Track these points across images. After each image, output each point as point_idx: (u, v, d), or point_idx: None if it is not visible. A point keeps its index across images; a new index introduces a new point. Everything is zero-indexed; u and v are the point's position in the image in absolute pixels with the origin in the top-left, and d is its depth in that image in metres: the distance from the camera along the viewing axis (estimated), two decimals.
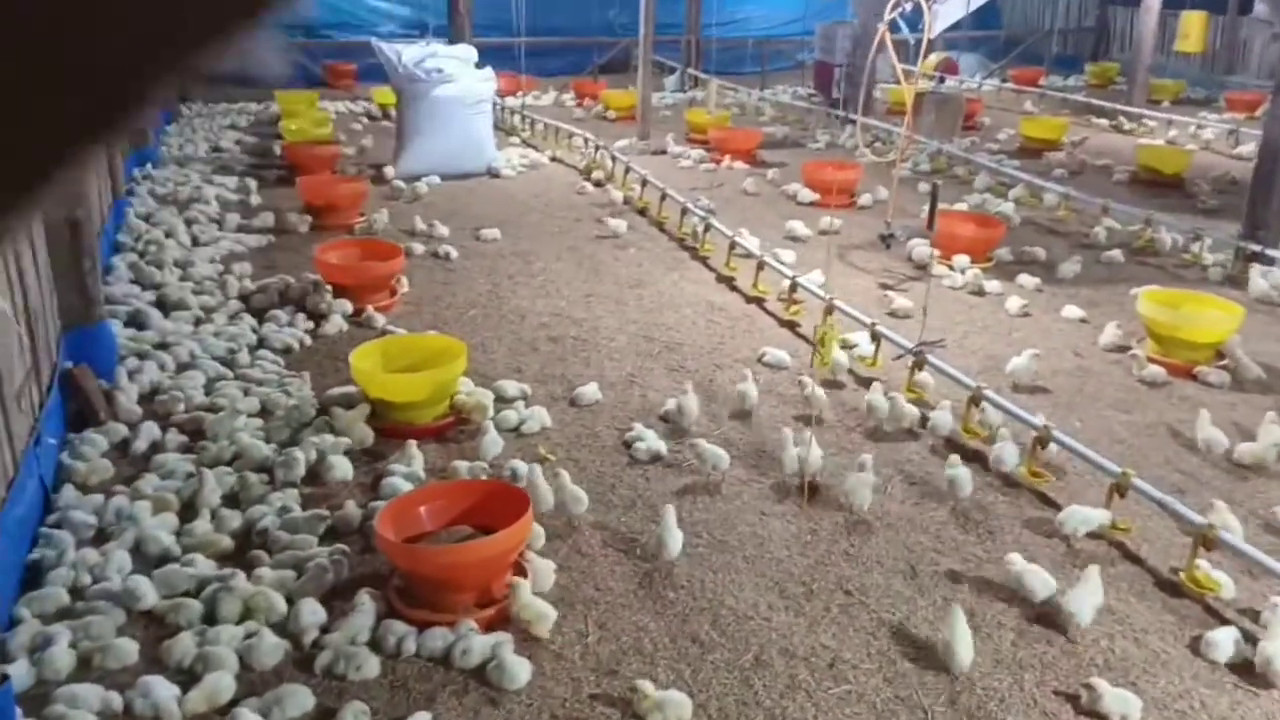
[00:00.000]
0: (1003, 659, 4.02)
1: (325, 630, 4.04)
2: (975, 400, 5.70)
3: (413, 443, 5.26)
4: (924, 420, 5.84)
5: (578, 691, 3.78)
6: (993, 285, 8.16)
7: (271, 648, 3.91)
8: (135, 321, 6.80)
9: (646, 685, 3.64)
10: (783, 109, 16.20)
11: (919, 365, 6.19)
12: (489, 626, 4.02)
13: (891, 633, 4.15)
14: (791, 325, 7.37)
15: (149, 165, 10.86)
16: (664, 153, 12.83)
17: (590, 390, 6.11)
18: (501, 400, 5.96)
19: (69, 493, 4.86)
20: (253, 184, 10.60)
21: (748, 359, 6.77)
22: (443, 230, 9.13)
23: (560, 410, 5.98)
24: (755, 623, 4.18)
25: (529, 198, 10.72)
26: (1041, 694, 3.84)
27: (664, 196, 9.68)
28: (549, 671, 3.87)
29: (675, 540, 4.54)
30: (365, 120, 15.23)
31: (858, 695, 3.80)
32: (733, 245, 8.32)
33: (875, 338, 6.55)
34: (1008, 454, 5.27)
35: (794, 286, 7.42)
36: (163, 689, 3.66)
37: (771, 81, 19.07)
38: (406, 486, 4.97)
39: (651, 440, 5.54)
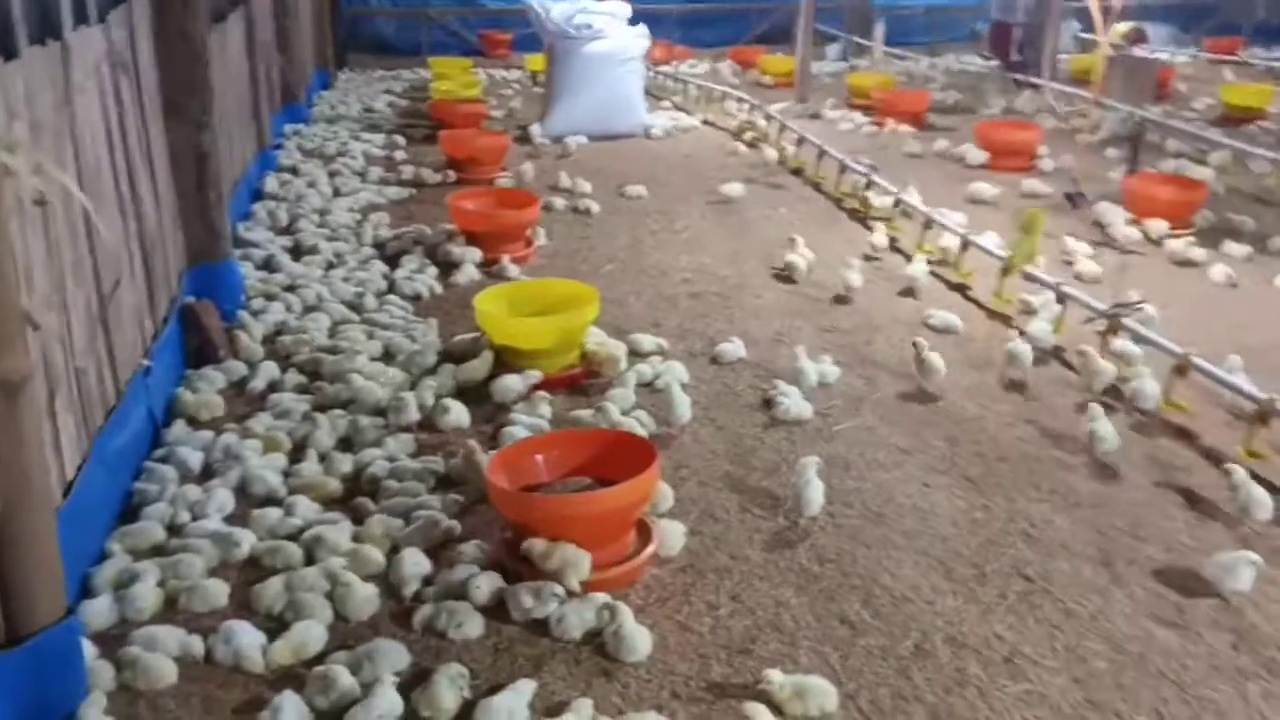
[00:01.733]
0: (1220, 665, 3.29)
1: (428, 583, 3.64)
2: (1181, 370, 4.89)
3: (541, 392, 4.83)
4: (1117, 392, 5.06)
5: (705, 670, 3.25)
6: (1196, 253, 7.20)
7: (367, 598, 3.52)
8: (267, 265, 6.61)
9: (775, 675, 3.08)
10: (954, 76, 15.18)
11: (1113, 330, 5.39)
12: (603, 589, 3.53)
13: (1081, 627, 3.46)
14: (961, 289, 6.63)
15: (300, 124, 10.85)
16: (819, 116, 12.12)
17: (733, 348, 5.56)
18: (636, 354, 5.47)
19: (179, 428, 4.62)
20: (399, 140, 10.45)
21: (909, 321, 6.09)
22: (586, 186, 8.71)
23: (699, 367, 5.44)
24: (915, 606, 3.56)
25: (678, 158, 10.21)
26: (1271, 708, 3.11)
27: (822, 154, 9.01)
28: (673, 645, 3.35)
29: (816, 494, 3.97)
30: (517, 86, 15.02)
31: (1040, 696, 3.14)
32: (897, 203, 7.60)
33: (1061, 299, 5.77)
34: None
35: (965, 245, 6.67)
36: (247, 635, 3.31)
37: (941, 51, 17.98)
38: (525, 434, 4.54)
39: (795, 401, 4.95)
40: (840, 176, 8.62)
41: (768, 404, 5.02)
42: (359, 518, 4.01)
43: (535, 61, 15.21)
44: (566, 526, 3.55)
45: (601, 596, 3.46)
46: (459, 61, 15.15)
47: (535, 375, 4.99)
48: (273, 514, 3.98)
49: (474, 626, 3.40)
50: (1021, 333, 5.62)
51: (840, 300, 6.42)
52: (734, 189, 8.55)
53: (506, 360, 5.20)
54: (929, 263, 6.80)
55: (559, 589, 3.44)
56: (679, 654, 3.31)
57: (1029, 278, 6.21)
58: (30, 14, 3.53)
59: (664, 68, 14.84)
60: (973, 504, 4.21)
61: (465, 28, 18.31)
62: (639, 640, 3.28)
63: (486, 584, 3.54)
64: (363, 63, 16.66)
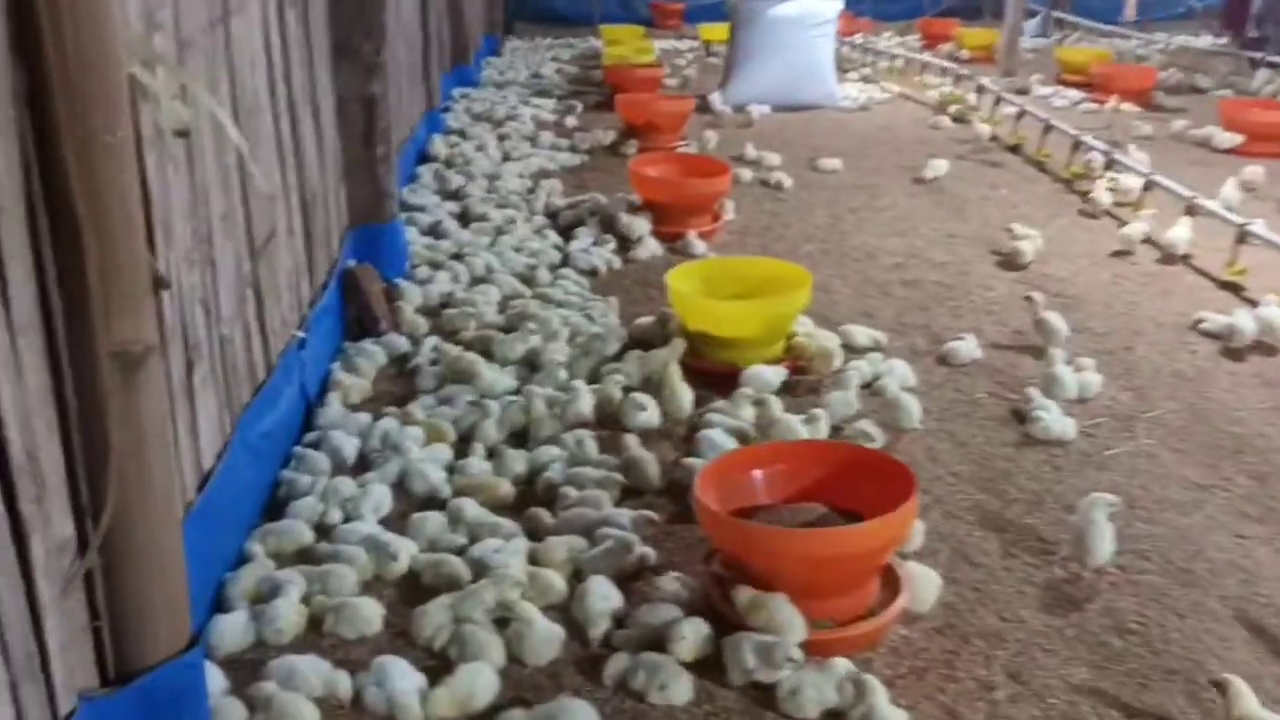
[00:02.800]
0: None
1: (619, 623, 2.93)
2: None
3: (746, 390, 4.07)
4: None
5: None
6: None
7: (547, 638, 2.84)
8: (433, 231, 6.06)
9: None
10: (1173, 53, 13.67)
11: None
12: (840, 650, 2.75)
13: None
14: (1234, 288, 5.54)
15: (469, 88, 10.38)
16: (1026, 92, 10.94)
17: (966, 347, 4.68)
18: (850, 348, 4.65)
19: (333, 409, 4.04)
20: (572, 104, 9.84)
21: (1176, 325, 5.08)
22: (774, 158, 7.89)
23: (926, 368, 4.59)
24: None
25: (874, 130, 9.27)
26: None
27: (1048, 129, 7.94)
28: None
29: (1105, 541, 3.11)
30: (690, 56, 14.27)
31: None
32: (1148, 185, 6.52)
33: None
34: None
35: (1242, 237, 5.58)
36: (404, 677, 2.68)
37: (1151, 29, 16.35)
38: (727, 442, 3.79)
39: (1055, 417, 4.05)
40: (1071, 155, 7.54)
41: (1019, 417, 4.14)
42: (534, 531, 3.35)
43: (710, 31, 14.47)
44: (799, 569, 2.78)
45: (843, 664, 2.69)
46: (630, 29, 14.53)
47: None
48: (435, 520, 3.35)
49: (681, 690, 2.67)
50: None
51: (1084, 297, 5.43)
52: (942, 166, 7.59)
53: (698, 348, 4.47)
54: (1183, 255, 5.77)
55: (795, 651, 2.67)
56: None
57: None
58: None
59: (852, 39, 13.85)
60: None
61: None
62: None
63: (692, 633, 2.81)
64: (529, 31, 16.22)
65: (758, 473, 3.18)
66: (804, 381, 4.42)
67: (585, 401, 3.99)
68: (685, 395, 4.14)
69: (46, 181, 2.00)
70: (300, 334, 3.86)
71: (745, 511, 3.11)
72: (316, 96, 4.40)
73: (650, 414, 4.01)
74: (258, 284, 3.50)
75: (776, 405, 4.02)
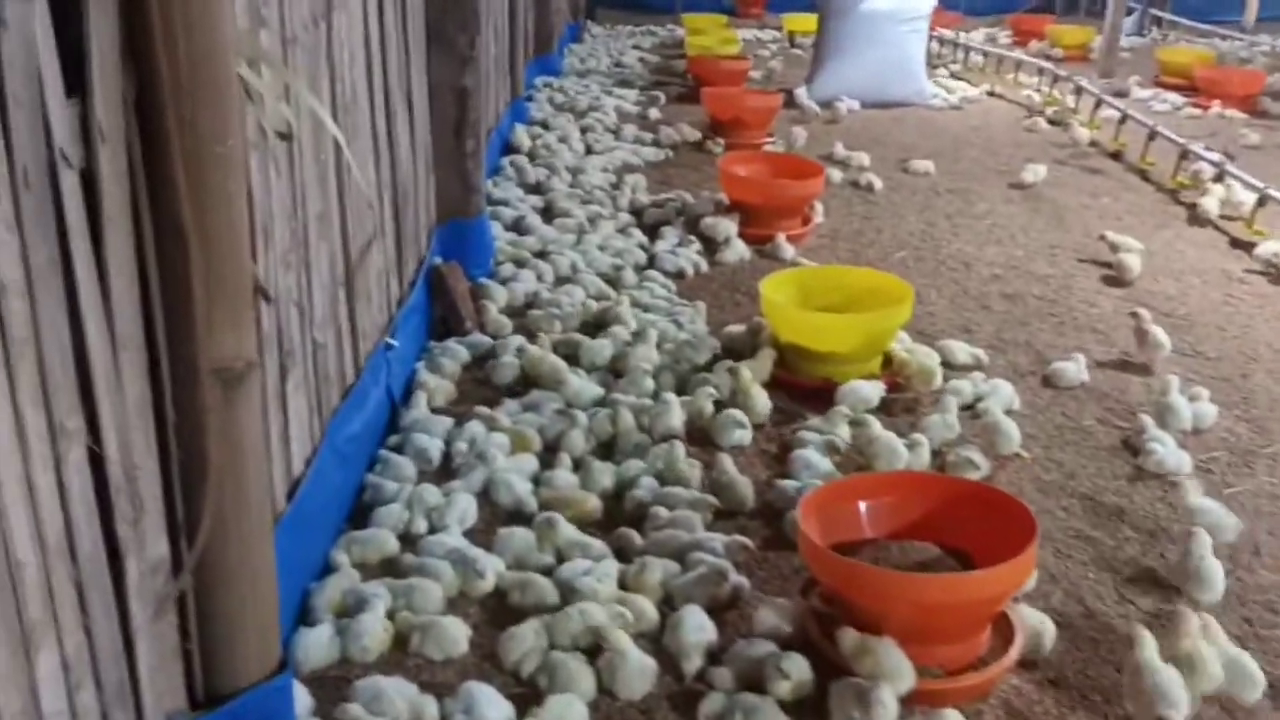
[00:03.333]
0: None
1: (713, 657, 2.81)
2: None
3: (842, 407, 3.91)
4: None
5: None
6: None
7: (641, 670, 2.73)
8: (516, 226, 5.95)
9: None
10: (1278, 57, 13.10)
11: None
12: (949, 701, 2.60)
13: None
14: None
15: (551, 76, 10.28)
16: (1125, 94, 10.53)
17: (1072, 368, 4.46)
18: (948, 366, 4.46)
19: (418, 410, 3.97)
20: (655, 96, 9.68)
21: None
22: (864, 158, 7.66)
23: (1030, 389, 4.38)
24: None
25: (966, 131, 8.97)
26: None
27: (1152, 136, 7.60)
28: None
29: (1215, 576, 2.99)
30: (774, 47, 14.01)
31: None
32: (1262, 200, 6.20)
33: None
34: None
35: None
36: (492, 706, 2.58)
37: (1259, 31, 15.70)
38: (822, 463, 3.65)
39: (1169, 449, 3.82)
40: (1178, 165, 7.21)
41: (1130, 448, 3.92)
42: (623, 550, 3.23)
43: (794, 21, 14.22)
44: (909, 614, 2.63)
45: (953, 716, 2.54)
46: (713, 18, 14.33)
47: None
48: (522, 536, 3.24)
49: None
50: None
51: (1194, 318, 5.16)
52: (1040, 171, 7.30)
53: (790, 361, 4.31)
54: None
55: (887, 697, 2.51)
56: None
57: None
58: None
59: (943, 31, 13.49)
60: None
61: None
62: None
63: (795, 672, 2.67)
64: (611, 18, 16.08)
65: (863, 504, 3.02)
66: (901, 400, 4.25)
67: (675, 415, 3.86)
68: (762, 400, 4.00)
69: (153, 190, 1.92)
70: (392, 342, 3.77)
71: (848, 545, 2.96)
72: (411, 88, 4.31)
73: (745, 432, 3.86)
74: (350, 285, 3.42)
75: (875, 424, 3.85)
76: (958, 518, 2.95)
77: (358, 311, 3.53)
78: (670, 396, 3.92)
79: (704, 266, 5.61)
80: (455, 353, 4.41)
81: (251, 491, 2.20)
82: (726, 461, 3.61)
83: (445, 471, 3.68)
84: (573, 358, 4.40)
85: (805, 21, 13.62)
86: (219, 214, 1.99)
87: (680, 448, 3.67)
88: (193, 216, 1.93)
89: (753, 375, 4.10)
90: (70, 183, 1.71)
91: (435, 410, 4.05)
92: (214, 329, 2.02)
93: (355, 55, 3.46)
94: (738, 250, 5.77)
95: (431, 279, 4.59)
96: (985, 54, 11.58)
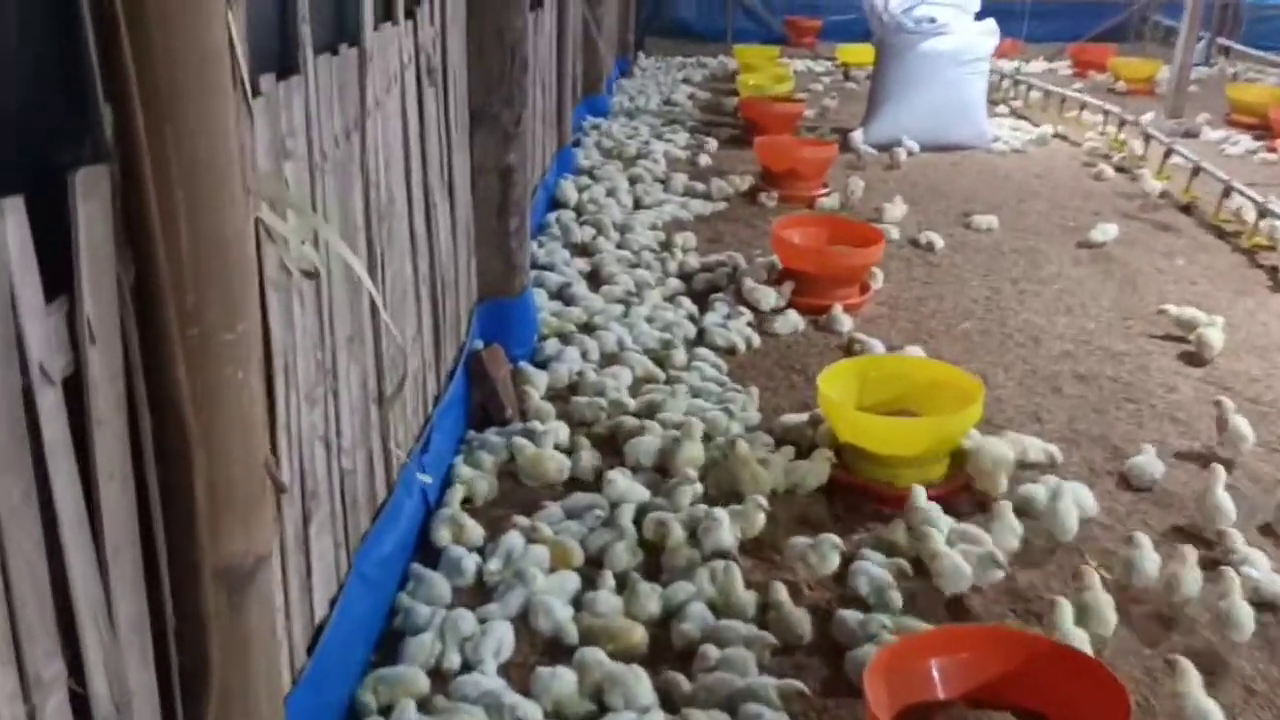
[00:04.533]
0: None
1: None
2: None
3: (901, 518, 3.64)
4: None
5: None
6: None
7: None
8: (562, 294, 5.74)
9: None
10: None
11: None
12: None
13: None
14: None
15: (600, 117, 10.09)
16: (1195, 135, 10.12)
17: (1148, 462, 4.15)
18: (1020, 465, 4.16)
19: (452, 510, 3.74)
20: (704, 141, 9.45)
21: None
22: (924, 213, 7.37)
23: (1106, 489, 4.08)
24: None
25: (1028, 179, 8.63)
26: None
27: (1227, 192, 7.23)
28: None
29: None
30: (826, 80, 13.73)
31: None
32: None
33: None
34: None
35: None
36: None
37: None
38: (883, 576, 3.40)
39: (1264, 573, 3.50)
40: (1256, 224, 6.83)
41: (1219, 569, 3.60)
42: (669, 696, 2.99)
43: (849, 53, 13.96)
44: None
45: None
46: (765, 50, 14.11)
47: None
48: (563, 679, 3.00)
49: None
50: None
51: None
52: (1110, 230, 6.94)
53: (850, 461, 4.05)
54: None
55: None
56: None
57: None
58: (320, 12, 2.68)
59: (1000, 63, 13.15)
60: None
61: (771, 13, 17.17)
62: None
63: None
64: (661, 48, 15.90)
65: (935, 662, 2.76)
66: (969, 501, 3.97)
67: (726, 532, 3.60)
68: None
69: (151, 386, 1.72)
70: (426, 478, 3.54)
71: (919, 708, 2.70)
72: (451, 171, 4.12)
73: (817, 560, 3.58)
74: (383, 400, 3.22)
75: (938, 538, 3.57)
76: (1039, 679, 2.68)
77: (390, 428, 3.33)
78: (720, 514, 3.65)
79: (756, 340, 5.35)
80: (495, 445, 4.20)
81: (259, 687, 2.00)
82: (781, 591, 3.35)
83: (480, 588, 3.46)
84: (618, 452, 4.18)
85: (860, 53, 13.37)
86: (227, 409, 1.79)
87: (735, 573, 3.42)
88: (196, 415, 1.73)
89: (802, 478, 3.90)
90: (50, 400, 1.51)
91: (473, 510, 3.84)
92: (220, 532, 1.82)
93: (392, 157, 3.27)
94: (791, 321, 5.52)
95: (471, 366, 4.39)
96: (1046, 92, 11.18)
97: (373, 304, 3.08)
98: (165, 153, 1.61)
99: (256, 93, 2.18)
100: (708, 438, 4.25)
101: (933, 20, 9.18)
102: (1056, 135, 10.09)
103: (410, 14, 3.45)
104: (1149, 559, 3.47)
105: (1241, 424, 4.29)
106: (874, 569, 3.48)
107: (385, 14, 3.21)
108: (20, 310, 1.43)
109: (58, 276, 1.53)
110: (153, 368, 1.71)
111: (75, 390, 1.60)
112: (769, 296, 5.65)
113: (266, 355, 2.27)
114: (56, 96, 1.62)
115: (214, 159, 1.67)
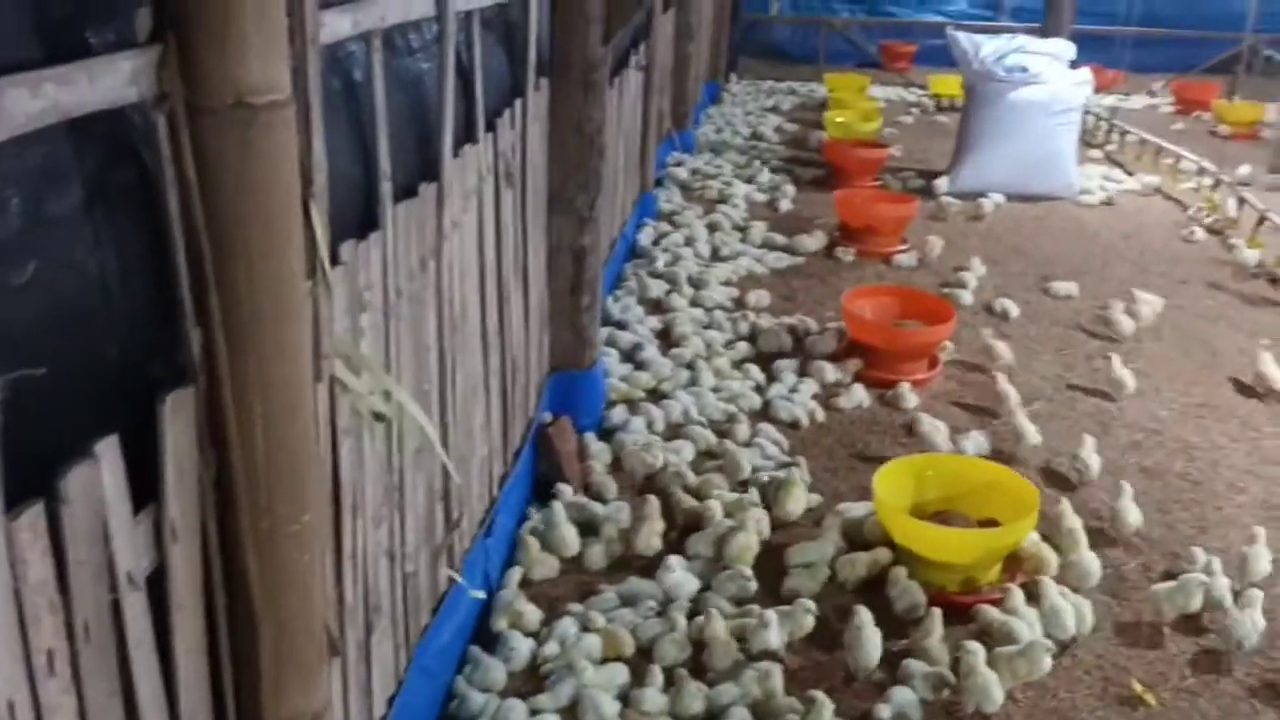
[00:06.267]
0: None
1: None
2: None
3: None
4: None
5: None
6: None
7: None
8: (632, 356, 5.86)
9: None
10: None
11: None
12: None
13: None
14: None
15: (684, 152, 10.20)
16: None
17: (1205, 584, 4.11)
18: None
19: (511, 592, 3.91)
20: (785, 186, 9.47)
21: None
22: (1001, 277, 7.32)
23: None
24: None
25: (1115, 238, 8.49)
26: None
27: None
28: None
29: None
30: (916, 111, 13.62)
31: None
32: None
33: None
34: None
35: None
36: None
37: None
38: (926, 694, 3.46)
39: None
40: None
41: (1275, 690, 3.58)
42: None
43: (941, 84, 13.84)
44: None
45: None
46: (855, 79, 14.04)
47: None
48: None
49: None
50: None
51: None
52: (1196, 298, 6.82)
53: (905, 562, 4.11)
54: None
55: None
56: None
57: None
58: (401, 149, 2.85)
59: (1096, 99, 12.89)
60: None
61: (865, 37, 17.08)
62: None
63: None
64: (754, 69, 15.94)
65: None
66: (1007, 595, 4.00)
67: (774, 634, 3.70)
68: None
69: (227, 566, 1.91)
70: (478, 595, 3.69)
71: None
72: (527, 255, 4.28)
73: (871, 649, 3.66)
74: (448, 498, 3.40)
75: (980, 655, 3.60)
76: None
77: (455, 520, 3.51)
78: (770, 616, 3.76)
79: (820, 415, 5.42)
80: (557, 523, 4.34)
81: None
82: (822, 699, 3.44)
83: (534, 672, 3.62)
84: (685, 529, 4.32)
85: (953, 85, 13.22)
86: (293, 590, 1.96)
87: (778, 678, 3.53)
88: (263, 595, 1.91)
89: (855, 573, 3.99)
90: (135, 603, 1.70)
91: (531, 591, 4.00)
92: (281, 693, 1.99)
93: (467, 268, 3.44)
94: (857, 397, 5.56)
95: (538, 439, 4.56)
96: (1142, 141, 10.93)
97: (442, 410, 3.26)
98: (246, 373, 1.79)
99: (337, 262, 2.35)
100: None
101: (1024, 69, 9.08)
102: (1151, 187, 9.85)
103: (490, 127, 3.61)
104: None
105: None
106: (921, 668, 3.57)
107: (466, 135, 3.37)
108: (111, 533, 1.62)
109: (146, 482, 1.72)
110: (228, 556, 1.89)
111: (158, 576, 1.79)
112: (845, 369, 5.71)
113: (335, 495, 2.46)
114: (150, 321, 1.80)
115: (288, 378, 1.84)
